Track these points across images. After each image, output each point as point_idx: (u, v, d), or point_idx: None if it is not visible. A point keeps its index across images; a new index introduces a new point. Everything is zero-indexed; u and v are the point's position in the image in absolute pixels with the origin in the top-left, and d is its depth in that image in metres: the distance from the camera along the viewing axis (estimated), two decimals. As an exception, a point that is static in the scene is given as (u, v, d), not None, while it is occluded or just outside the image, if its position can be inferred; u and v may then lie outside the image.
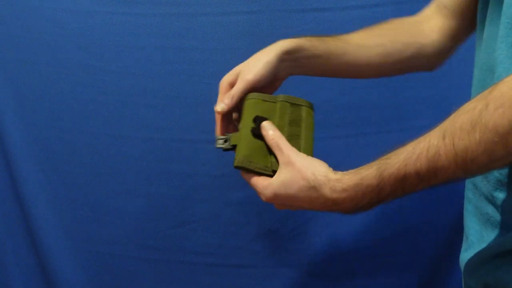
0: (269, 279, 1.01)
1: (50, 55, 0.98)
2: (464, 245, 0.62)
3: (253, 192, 0.59)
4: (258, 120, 0.60)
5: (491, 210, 0.54)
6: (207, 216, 1.00)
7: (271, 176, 0.57)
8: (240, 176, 0.60)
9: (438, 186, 0.46)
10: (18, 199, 1.02)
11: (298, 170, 0.53)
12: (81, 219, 1.02)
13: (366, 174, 0.49)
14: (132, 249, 1.01)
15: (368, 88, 0.97)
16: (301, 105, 0.63)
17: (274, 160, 0.57)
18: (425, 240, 1.00)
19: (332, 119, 0.96)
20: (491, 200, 0.54)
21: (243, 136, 0.60)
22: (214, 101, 0.65)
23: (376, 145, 0.96)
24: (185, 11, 0.96)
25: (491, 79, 0.53)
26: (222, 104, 0.62)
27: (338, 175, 0.52)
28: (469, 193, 0.60)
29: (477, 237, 0.57)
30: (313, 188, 0.52)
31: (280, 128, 0.60)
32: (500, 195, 0.52)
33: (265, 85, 0.64)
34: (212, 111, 0.64)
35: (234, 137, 0.62)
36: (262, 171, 0.58)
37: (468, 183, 0.60)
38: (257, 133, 0.59)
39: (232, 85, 0.64)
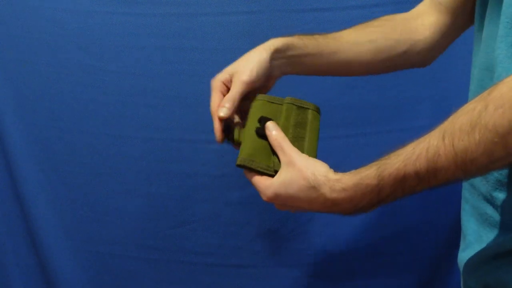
0: (269, 279, 1.01)
1: (50, 55, 0.98)
2: (462, 245, 0.62)
3: (253, 192, 0.59)
4: (263, 120, 0.61)
5: (490, 210, 0.54)
6: (207, 216, 1.00)
7: (273, 176, 0.57)
8: (240, 176, 0.61)
9: (438, 187, 0.46)
10: (18, 199, 1.02)
11: (299, 170, 0.54)
12: (81, 219, 1.02)
13: (366, 174, 0.49)
14: (132, 249, 1.02)
15: (368, 88, 0.96)
16: (308, 108, 0.63)
17: (276, 160, 0.58)
18: (425, 240, 1.00)
19: (332, 119, 0.96)
20: (490, 200, 0.54)
21: (247, 135, 0.61)
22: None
23: (376, 145, 0.96)
24: (185, 11, 0.96)
25: (489, 78, 0.53)
26: (224, 109, 0.61)
27: (338, 175, 0.52)
28: (466, 193, 0.60)
29: (475, 237, 0.57)
30: (313, 188, 0.52)
31: (284, 129, 0.60)
32: (500, 195, 0.52)
33: (260, 85, 0.64)
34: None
35: (238, 132, 0.63)
36: (264, 171, 0.58)
37: (465, 183, 0.60)
38: (261, 133, 0.60)
39: (226, 84, 0.64)
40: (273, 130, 0.59)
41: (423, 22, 0.71)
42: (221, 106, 0.62)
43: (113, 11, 0.96)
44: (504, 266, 0.51)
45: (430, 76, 0.96)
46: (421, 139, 0.46)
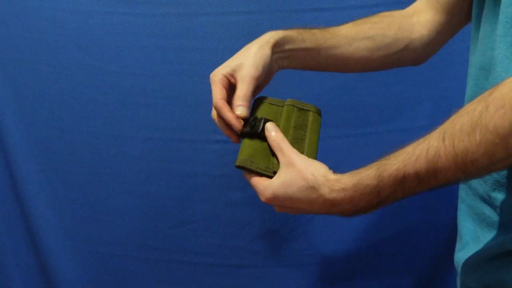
0: (269, 279, 1.01)
1: (50, 55, 0.98)
2: (458, 245, 0.62)
3: (254, 192, 0.59)
4: (263, 121, 0.60)
5: (487, 211, 0.54)
6: (207, 216, 1.00)
7: (272, 177, 0.57)
8: (240, 176, 0.61)
9: (438, 188, 0.46)
10: (18, 199, 1.02)
11: (298, 171, 0.53)
12: (81, 219, 1.02)
13: (365, 174, 0.49)
14: (132, 249, 1.01)
15: (368, 88, 0.96)
16: (308, 110, 0.63)
17: (276, 161, 0.58)
18: (425, 240, 1.00)
19: (332, 120, 0.96)
20: (487, 201, 0.54)
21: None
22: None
23: (376, 145, 0.96)
24: (185, 11, 0.96)
25: (485, 78, 0.53)
26: (242, 108, 0.60)
27: (337, 176, 0.52)
28: (463, 193, 0.60)
29: (471, 237, 0.57)
30: (312, 188, 0.52)
31: (285, 131, 0.60)
32: (499, 196, 0.52)
33: (262, 81, 0.63)
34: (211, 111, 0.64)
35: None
36: (263, 172, 0.58)
37: (461, 183, 0.60)
38: (261, 134, 0.60)
39: (228, 78, 0.62)
40: (272, 131, 0.59)
41: (419, 19, 0.71)
42: (237, 105, 0.60)
43: (113, 11, 0.96)
44: (505, 266, 0.51)
45: (430, 76, 0.96)
46: (421, 140, 0.46)
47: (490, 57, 0.52)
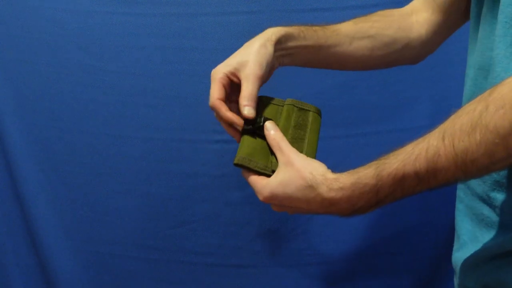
0: (269, 279, 1.01)
1: (50, 55, 0.98)
2: (456, 245, 0.62)
3: (253, 192, 0.59)
4: (262, 120, 0.60)
5: (486, 211, 0.54)
6: (207, 216, 1.00)
7: (270, 176, 0.57)
8: (240, 176, 0.60)
9: (438, 188, 0.45)
10: (18, 199, 1.02)
11: (297, 170, 0.53)
12: (81, 219, 1.02)
13: (364, 173, 0.49)
14: (132, 249, 1.01)
15: (368, 88, 0.96)
16: (309, 110, 0.63)
17: (274, 160, 0.58)
18: (424, 240, 1.00)
19: (332, 119, 0.96)
20: (486, 201, 0.53)
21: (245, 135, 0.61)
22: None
23: (376, 145, 0.96)
24: (185, 11, 0.96)
25: (484, 78, 0.53)
26: (249, 108, 0.59)
27: (336, 175, 0.51)
28: (461, 193, 0.60)
29: (469, 237, 0.57)
30: (311, 187, 0.51)
31: (284, 130, 0.60)
32: (498, 196, 0.52)
33: (264, 80, 0.63)
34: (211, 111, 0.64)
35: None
36: (262, 171, 0.58)
37: (461, 183, 0.60)
38: (260, 133, 0.60)
39: (229, 77, 0.61)
40: (271, 130, 0.59)
41: (417, 19, 0.71)
42: (244, 106, 0.59)
43: (113, 11, 0.96)
44: (504, 266, 0.51)
45: (430, 76, 0.96)
46: (421, 139, 0.46)
47: (489, 57, 0.52)
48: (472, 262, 0.56)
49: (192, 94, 0.96)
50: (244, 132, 0.61)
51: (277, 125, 0.60)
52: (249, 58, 0.60)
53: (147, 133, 0.98)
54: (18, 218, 1.03)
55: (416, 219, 1.00)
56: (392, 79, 0.96)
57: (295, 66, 0.69)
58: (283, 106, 0.63)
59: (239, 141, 0.62)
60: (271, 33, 0.62)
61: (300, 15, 0.95)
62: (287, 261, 1.01)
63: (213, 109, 0.61)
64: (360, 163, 0.50)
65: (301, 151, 0.57)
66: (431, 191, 0.46)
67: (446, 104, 0.96)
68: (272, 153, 0.58)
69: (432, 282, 1.02)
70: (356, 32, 0.68)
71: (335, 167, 0.53)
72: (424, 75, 0.96)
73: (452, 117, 0.44)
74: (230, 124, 0.62)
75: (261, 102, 0.63)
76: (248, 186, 0.59)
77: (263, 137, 0.59)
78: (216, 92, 0.61)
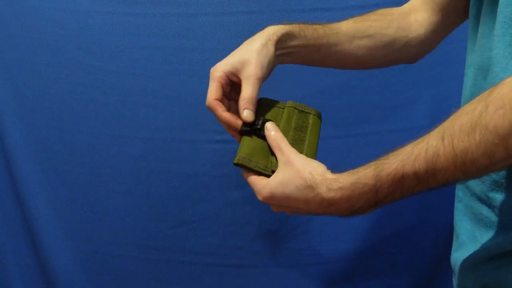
0: (269, 279, 1.01)
1: (50, 55, 0.98)
2: (454, 245, 0.62)
3: (253, 192, 0.59)
4: (263, 121, 0.60)
5: (485, 211, 0.54)
6: (207, 216, 1.00)
7: (270, 176, 0.57)
8: (240, 176, 0.60)
9: (438, 188, 0.45)
10: (18, 199, 1.02)
11: (297, 170, 0.53)
12: (81, 219, 1.02)
13: (363, 173, 0.49)
14: (132, 249, 1.02)
15: (368, 88, 0.96)
16: (309, 113, 0.63)
17: (274, 160, 0.58)
18: (424, 240, 1.00)
19: (332, 119, 0.96)
20: (485, 201, 0.53)
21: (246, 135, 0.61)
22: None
23: (376, 145, 0.96)
24: (185, 11, 0.96)
25: (483, 78, 0.53)
26: (247, 111, 0.59)
27: (335, 175, 0.51)
28: (460, 192, 0.60)
29: (468, 237, 0.57)
30: (310, 187, 0.51)
31: (284, 131, 0.60)
32: (497, 196, 0.52)
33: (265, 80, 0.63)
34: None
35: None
36: (261, 171, 0.58)
37: (460, 183, 0.60)
38: (261, 134, 0.60)
39: (229, 76, 0.61)
40: (271, 130, 0.59)
41: (416, 18, 0.71)
42: (244, 108, 0.59)
43: (113, 11, 0.96)
44: (504, 266, 0.51)
45: (430, 76, 0.96)
46: (420, 140, 0.46)
47: (488, 57, 0.51)
48: (471, 262, 0.56)
49: (192, 94, 0.96)
50: (242, 133, 0.61)
51: (278, 126, 0.60)
52: (250, 58, 0.60)
53: (147, 133, 0.98)
54: (18, 218, 1.03)
55: (415, 218, 1.00)
56: (392, 79, 0.96)
57: (295, 65, 0.69)
58: (283, 108, 0.63)
59: (239, 141, 0.62)
60: (273, 32, 0.61)
61: (300, 15, 0.95)
62: (287, 261, 1.01)
63: (210, 109, 0.61)
64: (360, 163, 0.50)
65: (301, 152, 0.57)
66: (430, 191, 0.46)
67: (446, 104, 0.96)
68: (272, 153, 0.58)
69: (432, 282, 1.02)
70: (356, 31, 0.68)
71: (335, 167, 0.53)
72: (424, 75, 0.96)
73: (452, 117, 0.44)
74: (230, 124, 0.62)
75: (262, 104, 0.63)
76: (248, 186, 0.59)
77: (263, 137, 0.60)
78: (213, 92, 0.60)
